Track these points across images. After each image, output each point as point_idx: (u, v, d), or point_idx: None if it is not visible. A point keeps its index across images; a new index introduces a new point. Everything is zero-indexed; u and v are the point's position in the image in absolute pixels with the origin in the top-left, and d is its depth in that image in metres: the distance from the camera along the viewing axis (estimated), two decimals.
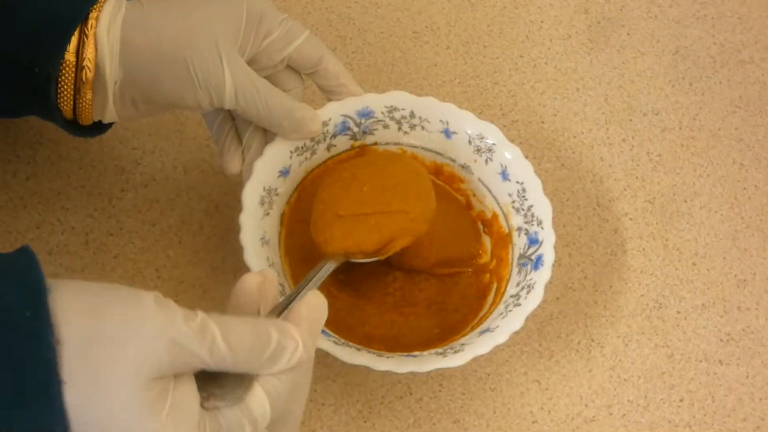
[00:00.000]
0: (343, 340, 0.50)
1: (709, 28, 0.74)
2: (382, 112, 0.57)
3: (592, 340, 0.58)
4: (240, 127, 0.55)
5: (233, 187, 0.57)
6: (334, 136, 0.56)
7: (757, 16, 0.75)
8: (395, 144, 0.58)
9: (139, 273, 0.56)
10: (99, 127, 0.52)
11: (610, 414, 0.56)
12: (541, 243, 0.54)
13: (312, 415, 0.53)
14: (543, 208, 0.55)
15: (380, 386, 0.55)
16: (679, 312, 0.60)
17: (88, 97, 0.49)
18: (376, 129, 0.57)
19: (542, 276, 0.52)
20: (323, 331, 0.49)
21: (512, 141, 0.57)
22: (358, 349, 0.49)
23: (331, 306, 0.51)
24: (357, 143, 0.58)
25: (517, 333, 0.50)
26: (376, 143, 0.58)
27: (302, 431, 0.53)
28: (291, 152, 0.55)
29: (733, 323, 0.60)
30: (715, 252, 0.63)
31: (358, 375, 0.55)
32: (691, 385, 0.58)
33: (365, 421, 0.54)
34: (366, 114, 0.57)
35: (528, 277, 0.53)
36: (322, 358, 0.55)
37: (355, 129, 0.57)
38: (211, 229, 0.58)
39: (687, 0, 0.75)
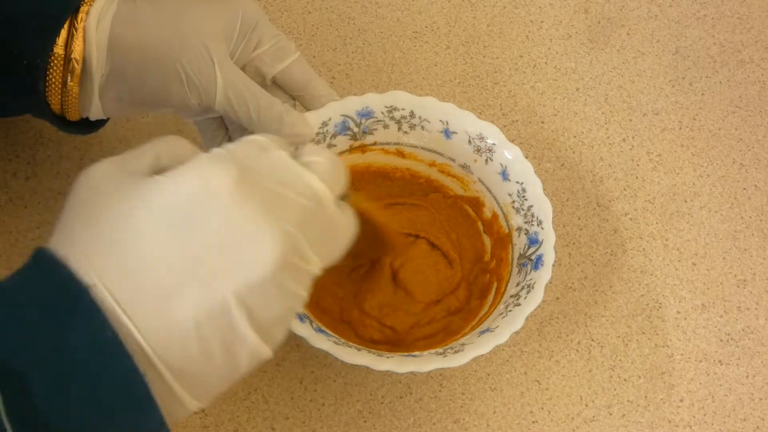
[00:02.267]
0: (343, 340, 0.49)
1: (709, 28, 0.74)
2: (382, 112, 0.57)
3: (592, 340, 0.58)
4: (233, 136, 0.54)
5: None
6: (334, 136, 0.56)
7: (757, 16, 0.75)
8: (395, 144, 0.58)
9: None
10: (89, 125, 0.52)
11: (610, 414, 0.56)
12: (541, 243, 0.53)
13: (312, 415, 0.53)
14: (543, 208, 0.55)
15: (380, 386, 0.55)
16: (679, 312, 0.60)
17: (74, 92, 0.48)
18: (376, 129, 0.57)
19: (542, 276, 0.52)
20: (323, 331, 0.49)
21: (512, 141, 0.57)
22: (358, 349, 0.49)
23: (335, 305, 0.50)
24: (357, 143, 0.58)
25: (517, 333, 0.50)
26: (375, 143, 0.58)
27: (302, 431, 0.53)
28: None
29: (733, 323, 0.60)
30: (715, 252, 0.63)
31: (358, 375, 0.55)
32: (691, 385, 0.58)
33: (365, 421, 0.54)
34: (366, 114, 0.57)
35: (528, 277, 0.53)
36: (322, 358, 0.55)
37: (355, 129, 0.57)
38: None
39: (687, 0, 0.75)
